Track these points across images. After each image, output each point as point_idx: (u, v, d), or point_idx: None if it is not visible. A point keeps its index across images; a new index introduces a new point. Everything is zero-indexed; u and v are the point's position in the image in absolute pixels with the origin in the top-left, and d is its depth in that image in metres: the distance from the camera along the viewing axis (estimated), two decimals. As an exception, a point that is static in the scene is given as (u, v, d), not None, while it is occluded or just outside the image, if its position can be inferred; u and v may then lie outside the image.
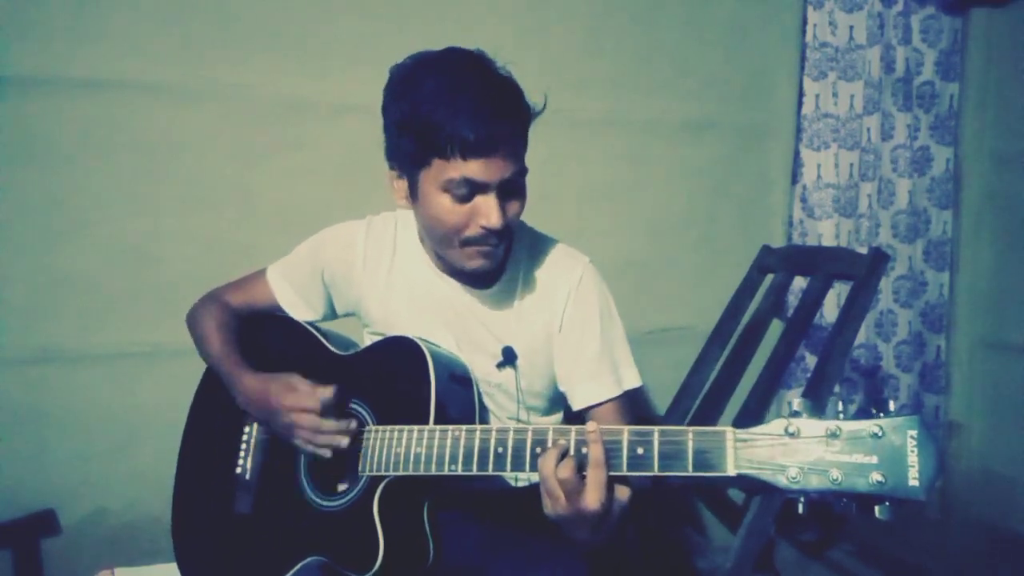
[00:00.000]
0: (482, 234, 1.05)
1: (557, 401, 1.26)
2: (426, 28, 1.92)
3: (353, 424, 1.10)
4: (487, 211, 1.03)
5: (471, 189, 1.02)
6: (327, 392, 1.09)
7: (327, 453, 1.10)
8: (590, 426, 0.89)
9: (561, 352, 1.18)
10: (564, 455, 0.90)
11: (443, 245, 1.11)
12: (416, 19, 1.93)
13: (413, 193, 1.09)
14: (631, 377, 1.18)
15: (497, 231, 1.05)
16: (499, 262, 1.14)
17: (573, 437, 0.91)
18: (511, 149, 1.03)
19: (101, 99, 1.75)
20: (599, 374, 1.16)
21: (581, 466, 0.89)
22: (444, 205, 1.04)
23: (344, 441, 1.08)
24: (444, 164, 1.01)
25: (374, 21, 1.90)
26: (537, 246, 1.23)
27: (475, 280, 1.18)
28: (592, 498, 0.88)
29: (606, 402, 1.15)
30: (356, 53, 1.89)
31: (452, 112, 0.98)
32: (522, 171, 1.07)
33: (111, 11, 1.74)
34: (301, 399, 1.10)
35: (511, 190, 1.06)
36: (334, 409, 1.10)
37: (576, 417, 1.20)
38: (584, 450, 0.89)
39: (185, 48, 1.79)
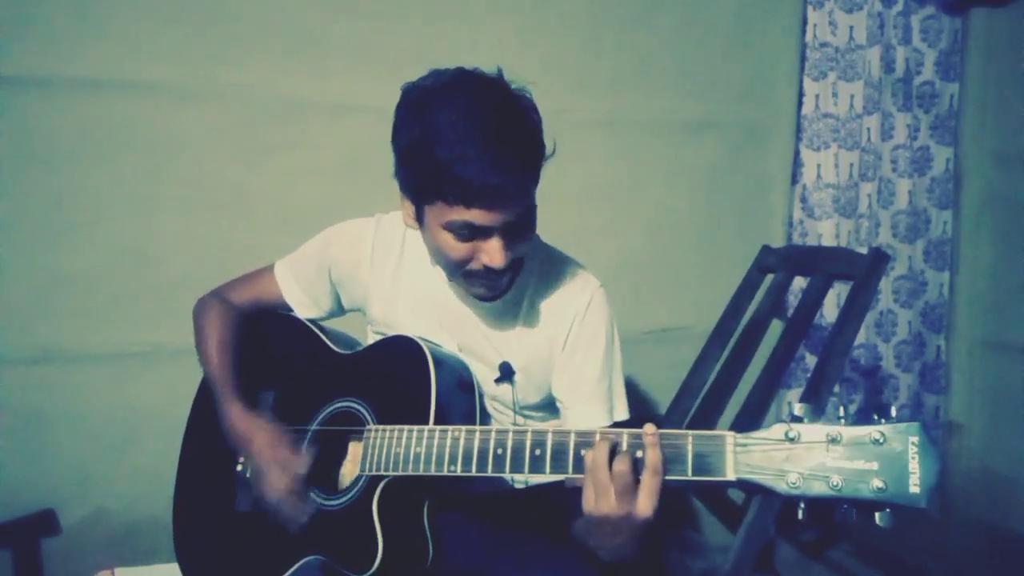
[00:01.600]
0: (484, 271, 1.04)
1: (555, 409, 1.25)
2: (427, 28, 1.92)
3: (305, 517, 1.11)
4: (490, 252, 1.01)
5: (473, 231, 1.01)
6: (301, 465, 1.11)
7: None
8: (648, 428, 0.86)
9: (562, 370, 1.18)
10: (615, 450, 0.87)
11: (447, 273, 1.12)
12: (417, 19, 1.92)
13: (419, 219, 1.08)
14: (621, 409, 1.19)
15: (499, 270, 1.03)
16: (504, 289, 1.13)
17: (626, 439, 0.88)
18: (518, 194, 0.99)
19: (101, 99, 1.75)
20: (594, 400, 1.16)
21: (635, 467, 0.86)
22: (447, 242, 1.03)
23: (295, 524, 1.10)
24: (446, 207, 0.98)
25: (374, 21, 1.90)
26: (549, 263, 1.21)
27: None
28: (645, 504, 0.84)
29: None
30: (356, 53, 1.89)
31: (458, 156, 0.93)
32: (530, 208, 1.05)
33: (111, 11, 1.74)
34: (279, 459, 1.12)
35: (518, 228, 1.03)
36: (304, 481, 1.11)
37: None
38: (639, 454, 0.86)
39: (185, 48, 1.79)
